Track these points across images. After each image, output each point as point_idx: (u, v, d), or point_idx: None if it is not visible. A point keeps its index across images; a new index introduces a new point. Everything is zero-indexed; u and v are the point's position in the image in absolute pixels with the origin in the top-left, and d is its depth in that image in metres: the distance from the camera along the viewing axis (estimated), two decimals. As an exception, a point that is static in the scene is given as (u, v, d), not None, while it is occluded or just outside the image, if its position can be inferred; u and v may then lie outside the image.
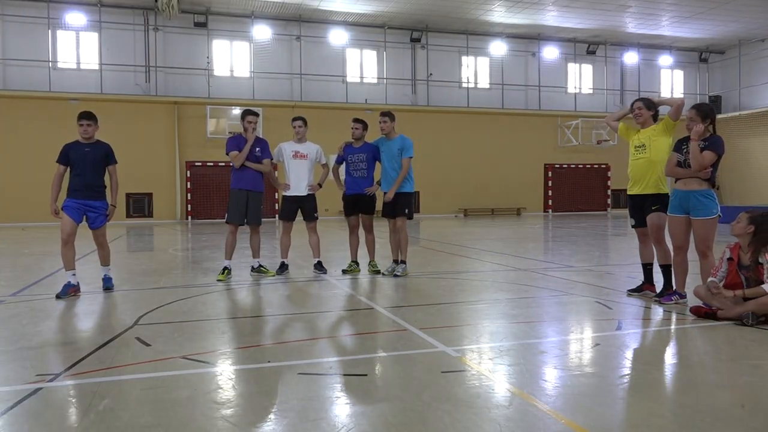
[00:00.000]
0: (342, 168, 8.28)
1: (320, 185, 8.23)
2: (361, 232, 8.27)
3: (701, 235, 5.57)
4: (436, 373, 3.70)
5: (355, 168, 8.08)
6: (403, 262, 7.92)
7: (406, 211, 7.84)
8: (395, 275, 7.76)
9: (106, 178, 6.84)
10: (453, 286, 7.22)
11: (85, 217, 6.69)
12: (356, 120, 8.17)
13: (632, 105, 6.31)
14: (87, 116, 6.65)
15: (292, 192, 8.11)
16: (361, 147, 8.09)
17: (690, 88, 30.85)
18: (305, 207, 8.16)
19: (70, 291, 6.44)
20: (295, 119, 8.22)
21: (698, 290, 5.37)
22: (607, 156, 28.60)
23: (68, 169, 6.67)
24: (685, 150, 5.66)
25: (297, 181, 8.10)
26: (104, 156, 6.73)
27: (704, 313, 5.16)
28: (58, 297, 6.33)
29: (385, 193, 7.88)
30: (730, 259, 5.29)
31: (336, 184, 8.36)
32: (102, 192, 6.78)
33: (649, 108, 6.18)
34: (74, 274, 6.56)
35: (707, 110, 5.63)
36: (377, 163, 8.14)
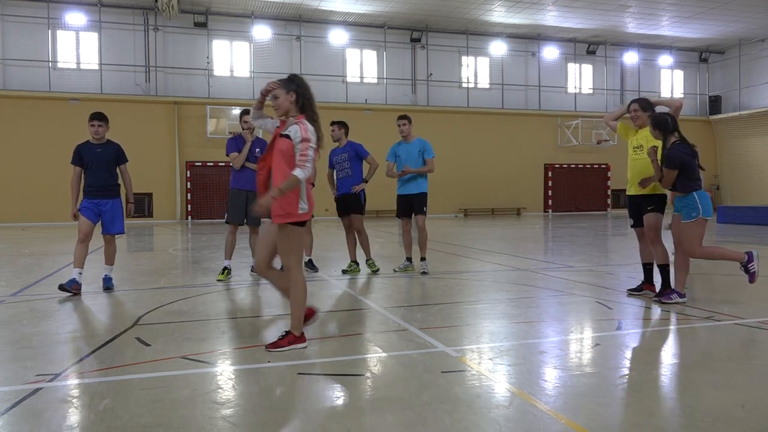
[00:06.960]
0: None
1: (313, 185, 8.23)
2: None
3: (681, 236, 5.73)
4: (436, 373, 3.70)
5: (340, 168, 8.13)
6: (424, 258, 8.08)
7: (424, 209, 8.11)
8: (423, 272, 7.90)
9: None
10: (453, 286, 7.22)
11: (100, 219, 6.71)
12: (332, 123, 8.06)
13: (628, 106, 6.32)
14: (99, 117, 6.70)
15: None
16: (343, 147, 8.13)
17: (690, 88, 30.85)
18: None
19: (74, 287, 6.46)
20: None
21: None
22: (607, 156, 28.60)
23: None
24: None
25: None
26: (115, 155, 6.80)
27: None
28: (60, 286, 6.36)
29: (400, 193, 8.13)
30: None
31: (330, 188, 8.40)
32: (115, 190, 6.86)
33: (645, 109, 6.18)
34: (80, 273, 6.61)
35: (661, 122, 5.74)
36: (363, 161, 8.13)
